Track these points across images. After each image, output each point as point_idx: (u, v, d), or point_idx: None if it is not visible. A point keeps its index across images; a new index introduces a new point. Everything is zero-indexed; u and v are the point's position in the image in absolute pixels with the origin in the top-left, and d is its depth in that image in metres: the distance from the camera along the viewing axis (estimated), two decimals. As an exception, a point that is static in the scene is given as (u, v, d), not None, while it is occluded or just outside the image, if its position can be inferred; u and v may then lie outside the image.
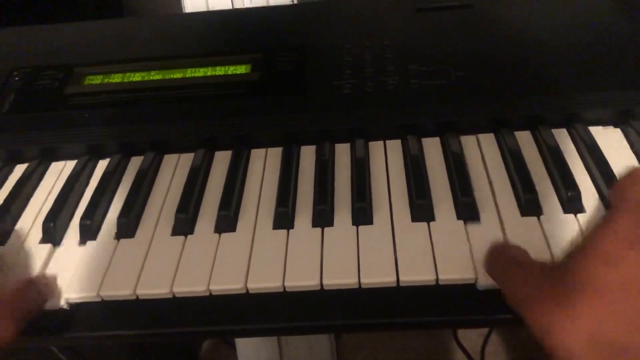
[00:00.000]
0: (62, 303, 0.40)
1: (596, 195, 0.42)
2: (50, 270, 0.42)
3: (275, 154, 0.49)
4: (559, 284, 0.32)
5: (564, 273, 0.32)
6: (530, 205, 0.41)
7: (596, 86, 0.48)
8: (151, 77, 0.55)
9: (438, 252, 0.39)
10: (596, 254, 0.32)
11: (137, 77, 0.55)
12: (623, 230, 0.33)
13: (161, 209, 0.46)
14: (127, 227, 0.44)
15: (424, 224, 0.41)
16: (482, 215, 0.42)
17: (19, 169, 0.51)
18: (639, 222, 0.33)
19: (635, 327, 0.30)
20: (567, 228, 0.40)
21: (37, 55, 0.59)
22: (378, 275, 0.38)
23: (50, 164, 0.52)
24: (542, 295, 0.32)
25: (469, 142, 0.48)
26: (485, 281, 0.37)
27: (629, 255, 0.31)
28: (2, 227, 0.46)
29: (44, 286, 0.40)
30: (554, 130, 0.47)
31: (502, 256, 0.37)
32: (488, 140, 0.48)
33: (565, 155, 0.45)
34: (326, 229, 0.42)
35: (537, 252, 0.38)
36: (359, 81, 0.51)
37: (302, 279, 0.39)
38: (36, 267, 0.42)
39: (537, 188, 0.42)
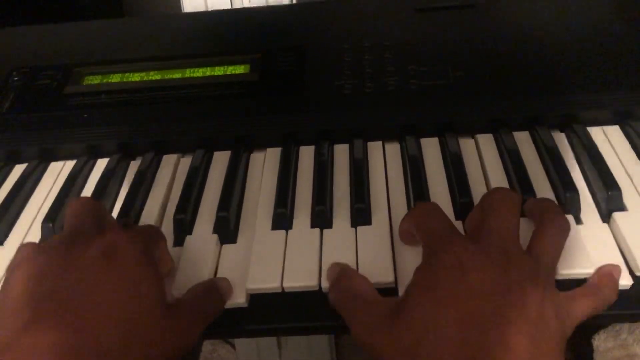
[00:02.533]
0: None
1: (594, 196, 0.42)
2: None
3: (274, 154, 0.49)
4: (399, 326, 0.32)
5: (404, 315, 0.32)
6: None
7: (595, 86, 0.48)
8: (150, 77, 0.55)
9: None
10: (425, 292, 0.32)
11: (136, 77, 0.55)
12: (445, 265, 0.33)
13: (160, 209, 0.46)
14: (126, 227, 0.44)
15: (423, 224, 0.41)
16: (481, 216, 0.42)
17: (19, 169, 0.51)
18: (457, 254, 0.33)
19: None
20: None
21: (37, 55, 0.59)
22: (377, 276, 0.38)
23: (49, 164, 0.52)
24: (385, 339, 0.32)
25: (467, 143, 0.48)
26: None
27: (456, 289, 0.32)
28: (2, 227, 0.46)
29: (221, 289, 0.39)
30: (552, 131, 0.47)
31: (347, 291, 0.36)
32: (487, 141, 0.48)
33: (564, 156, 0.45)
34: (325, 230, 0.42)
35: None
36: (358, 81, 0.51)
37: (301, 280, 0.39)
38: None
39: (535, 189, 0.42)
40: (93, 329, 0.30)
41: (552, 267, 0.35)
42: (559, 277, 0.37)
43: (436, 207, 0.38)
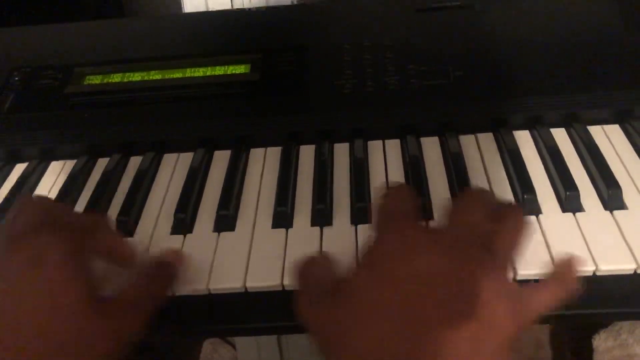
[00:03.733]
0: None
1: (595, 194, 0.42)
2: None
3: (274, 154, 0.49)
4: (339, 306, 0.31)
5: (345, 295, 0.32)
6: (529, 205, 0.41)
7: (595, 86, 0.48)
8: (151, 77, 0.55)
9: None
10: (368, 271, 0.32)
11: (136, 76, 0.55)
12: (392, 245, 0.33)
13: (160, 208, 0.46)
14: (126, 226, 0.44)
15: (423, 223, 0.41)
16: (481, 215, 0.42)
17: (19, 168, 0.51)
18: (406, 236, 0.33)
19: (407, 346, 0.29)
20: (566, 227, 0.40)
21: (37, 55, 0.59)
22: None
23: (50, 164, 0.52)
24: (323, 318, 0.32)
25: (468, 142, 0.48)
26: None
27: (398, 270, 0.31)
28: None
29: (171, 268, 0.39)
30: (552, 130, 0.47)
31: (301, 270, 0.36)
32: (487, 140, 0.48)
33: (564, 155, 0.45)
34: (325, 228, 0.42)
35: (536, 251, 0.38)
36: (359, 81, 0.51)
37: (301, 278, 0.39)
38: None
39: (536, 187, 0.42)
40: (14, 340, 0.31)
41: (509, 265, 0.35)
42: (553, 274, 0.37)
43: (402, 190, 0.37)
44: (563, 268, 0.36)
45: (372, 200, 0.38)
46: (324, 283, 0.34)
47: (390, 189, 0.38)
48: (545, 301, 0.34)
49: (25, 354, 0.31)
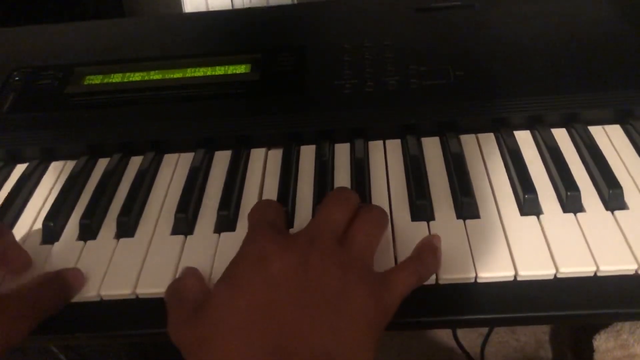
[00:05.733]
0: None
1: (596, 195, 0.42)
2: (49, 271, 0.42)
3: (275, 154, 0.49)
4: (199, 319, 0.32)
5: (204, 308, 0.32)
6: (530, 205, 0.41)
7: (596, 86, 0.48)
8: (151, 77, 0.55)
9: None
10: (225, 282, 0.33)
11: (137, 76, 0.55)
12: (249, 254, 0.33)
13: (161, 208, 0.46)
14: (127, 226, 0.44)
15: (424, 223, 0.41)
16: (482, 215, 0.42)
17: (19, 169, 0.51)
18: (261, 244, 0.33)
19: (263, 352, 0.29)
20: (567, 227, 0.40)
21: (37, 55, 0.59)
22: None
23: (50, 164, 0.52)
24: (185, 333, 0.32)
25: (468, 142, 0.48)
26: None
27: (253, 279, 0.32)
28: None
29: (68, 280, 0.39)
30: (553, 130, 0.47)
31: (170, 288, 0.37)
32: (488, 140, 0.48)
33: (565, 155, 0.45)
34: (326, 229, 0.42)
35: (537, 251, 0.38)
36: (359, 81, 0.51)
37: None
38: (38, 267, 0.42)
39: (537, 187, 0.42)
40: None
41: (365, 254, 0.35)
42: (560, 276, 0.37)
43: (267, 202, 0.39)
44: (422, 247, 0.38)
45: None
46: (191, 299, 0.34)
47: (256, 203, 0.40)
48: (407, 280, 0.35)
49: None
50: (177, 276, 0.38)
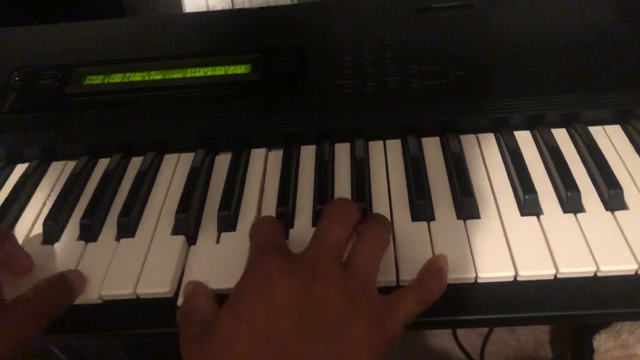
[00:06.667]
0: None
1: (596, 195, 0.42)
2: (49, 271, 0.42)
3: (275, 154, 0.49)
4: (204, 341, 0.32)
5: (210, 330, 0.32)
6: (530, 205, 0.41)
7: (596, 86, 0.48)
8: (151, 77, 0.55)
9: (437, 252, 0.39)
10: (230, 306, 0.33)
11: (137, 77, 0.55)
12: (253, 279, 0.33)
13: (161, 208, 0.46)
14: (127, 226, 0.44)
15: (424, 223, 0.41)
16: (482, 215, 0.42)
17: (20, 169, 0.51)
18: (265, 268, 0.33)
19: None
20: (567, 227, 0.40)
21: (38, 55, 0.59)
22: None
23: (50, 164, 0.52)
24: (192, 352, 0.33)
25: (468, 142, 0.48)
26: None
27: (257, 306, 0.32)
28: (3, 227, 0.46)
29: (71, 282, 0.39)
30: (553, 130, 0.47)
31: (182, 306, 0.37)
32: (488, 140, 0.48)
33: (565, 155, 0.45)
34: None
35: (537, 251, 0.38)
36: (359, 81, 0.51)
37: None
38: (39, 267, 0.42)
39: (537, 188, 0.42)
40: None
41: (368, 277, 0.35)
42: (560, 276, 0.37)
43: (269, 222, 0.39)
44: (426, 270, 0.37)
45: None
46: (199, 318, 0.35)
47: (259, 221, 0.39)
48: (409, 307, 0.34)
49: None
50: (187, 292, 0.38)
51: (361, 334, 0.32)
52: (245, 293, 0.33)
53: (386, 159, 0.48)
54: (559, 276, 0.38)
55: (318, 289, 0.32)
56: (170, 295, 0.40)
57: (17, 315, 0.35)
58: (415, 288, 0.36)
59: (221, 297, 0.39)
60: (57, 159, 0.52)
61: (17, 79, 0.57)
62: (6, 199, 0.47)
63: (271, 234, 0.38)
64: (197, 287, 0.38)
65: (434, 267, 0.37)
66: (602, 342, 0.67)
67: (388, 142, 0.49)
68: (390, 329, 0.33)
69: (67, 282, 0.39)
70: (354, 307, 0.32)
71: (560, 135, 0.47)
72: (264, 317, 0.31)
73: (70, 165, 0.51)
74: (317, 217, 0.43)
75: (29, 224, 0.46)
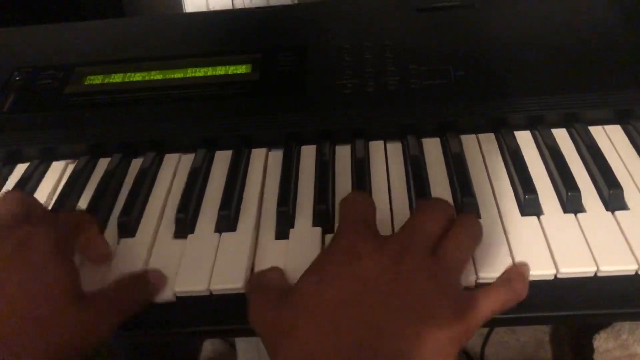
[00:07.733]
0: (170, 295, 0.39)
1: (596, 195, 0.42)
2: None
3: (275, 154, 0.49)
4: (284, 307, 0.32)
5: (290, 296, 0.33)
6: (530, 205, 0.41)
7: (596, 86, 0.48)
8: (151, 77, 0.55)
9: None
10: (314, 273, 0.33)
11: (137, 77, 0.55)
12: (340, 249, 0.33)
13: (162, 208, 0.46)
14: (127, 226, 0.44)
15: (424, 223, 0.41)
16: (483, 215, 0.42)
17: (20, 169, 0.51)
18: (354, 241, 0.33)
19: (348, 345, 0.29)
20: (568, 228, 0.40)
21: (38, 55, 0.59)
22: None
23: (50, 164, 0.52)
24: (270, 319, 0.33)
25: (469, 142, 0.48)
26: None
27: (342, 272, 0.32)
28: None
29: (149, 281, 0.39)
30: (553, 130, 0.47)
31: (253, 280, 0.38)
32: (488, 140, 0.48)
33: (565, 155, 0.45)
34: (327, 228, 0.42)
35: (537, 251, 0.38)
36: (359, 81, 0.51)
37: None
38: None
39: (537, 188, 0.42)
40: None
41: (457, 269, 0.35)
42: (560, 276, 0.37)
43: (364, 197, 0.38)
44: (512, 273, 0.37)
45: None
46: (275, 289, 0.35)
47: (348, 196, 0.39)
48: (492, 305, 0.34)
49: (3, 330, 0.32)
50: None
51: (444, 318, 0.31)
52: (330, 260, 0.33)
53: (386, 159, 0.48)
54: (559, 276, 0.38)
55: (406, 267, 0.32)
56: (170, 295, 0.40)
57: (96, 305, 0.36)
58: (502, 288, 0.36)
59: (220, 298, 0.39)
60: (57, 159, 0.52)
61: (17, 78, 0.57)
62: (6, 199, 0.47)
63: (362, 208, 0.37)
64: (270, 268, 0.39)
65: (520, 272, 0.37)
66: (602, 342, 0.67)
67: (388, 142, 0.49)
68: (471, 321, 0.33)
69: (147, 280, 0.39)
70: (440, 290, 0.32)
71: (561, 135, 0.47)
72: (349, 284, 0.31)
73: (71, 165, 0.51)
74: (317, 217, 0.43)
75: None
